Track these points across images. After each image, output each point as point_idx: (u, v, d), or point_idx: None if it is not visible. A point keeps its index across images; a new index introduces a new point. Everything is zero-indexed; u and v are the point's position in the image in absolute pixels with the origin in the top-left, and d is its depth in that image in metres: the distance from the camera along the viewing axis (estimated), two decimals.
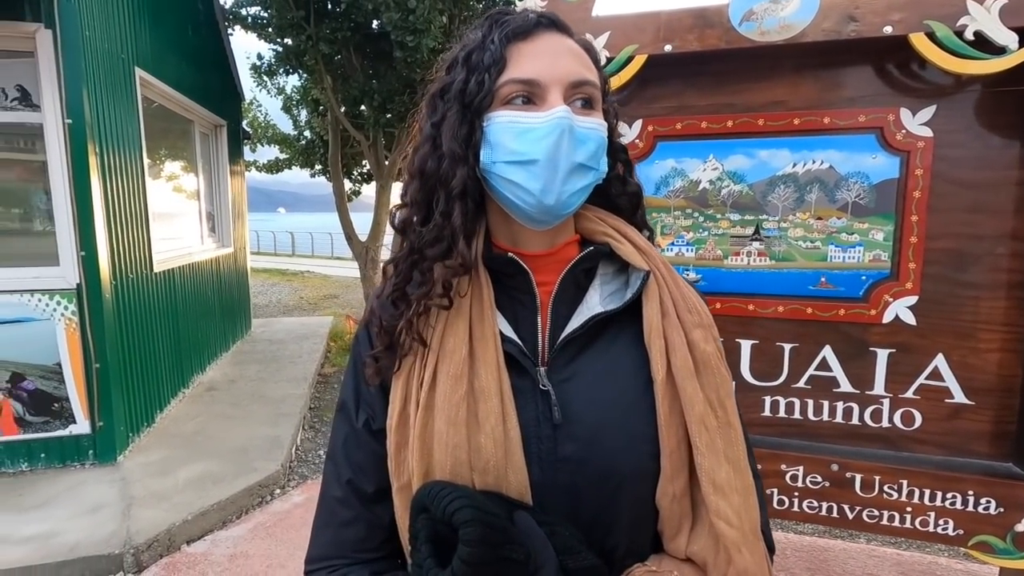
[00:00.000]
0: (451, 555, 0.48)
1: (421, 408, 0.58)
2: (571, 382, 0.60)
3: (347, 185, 10.43)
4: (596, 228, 0.67)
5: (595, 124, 0.59)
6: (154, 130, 4.34)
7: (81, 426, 3.27)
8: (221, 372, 5.37)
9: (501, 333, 0.60)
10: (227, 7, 6.45)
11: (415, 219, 0.63)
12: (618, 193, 0.69)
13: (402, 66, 5.24)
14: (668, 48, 1.45)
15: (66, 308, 3.17)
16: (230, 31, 6.67)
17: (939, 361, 1.39)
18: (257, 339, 6.77)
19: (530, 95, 0.58)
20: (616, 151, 0.68)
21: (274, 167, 11.86)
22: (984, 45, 1.22)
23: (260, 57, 7.75)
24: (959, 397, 1.38)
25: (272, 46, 6.58)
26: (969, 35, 1.23)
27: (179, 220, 5.15)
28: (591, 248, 0.65)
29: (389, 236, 7.90)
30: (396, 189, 8.19)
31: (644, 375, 0.60)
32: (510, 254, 0.63)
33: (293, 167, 11.56)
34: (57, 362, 3.21)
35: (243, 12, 6.39)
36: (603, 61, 0.67)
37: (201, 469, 3.29)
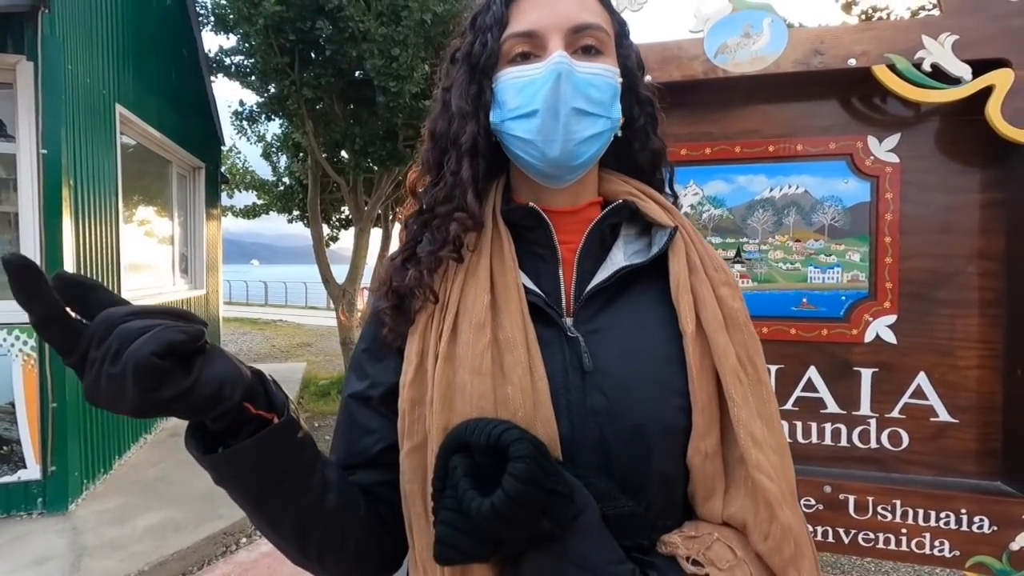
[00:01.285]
0: (492, 491, 0.45)
1: (441, 360, 0.55)
2: (598, 334, 0.58)
3: (325, 230, 10.41)
4: (619, 189, 0.66)
5: (599, 69, 0.58)
6: (131, 167, 4.31)
7: (31, 471, 3.06)
8: None
9: (524, 286, 0.59)
10: (211, 55, 6.58)
11: (427, 179, 0.63)
12: (639, 149, 0.67)
13: (384, 111, 5.34)
14: (647, 78, 1.51)
15: (24, 343, 3.02)
16: (213, 79, 6.77)
17: (921, 379, 1.40)
18: None
19: (531, 48, 0.58)
20: (641, 103, 0.66)
21: (251, 212, 11.79)
22: (942, 76, 1.31)
23: (242, 104, 7.85)
24: (943, 415, 1.39)
25: (254, 93, 6.69)
26: (927, 67, 1.31)
27: (151, 259, 5.04)
28: (618, 202, 0.63)
29: (367, 279, 7.86)
30: (375, 234, 8.22)
31: (672, 329, 0.58)
32: (530, 204, 0.62)
33: (270, 213, 11.52)
34: (10, 401, 3.03)
35: (226, 61, 6.52)
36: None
37: (161, 517, 3.08)
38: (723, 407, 0.55)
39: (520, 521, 0.45)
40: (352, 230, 7.80)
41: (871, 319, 1.43)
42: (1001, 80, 1.26)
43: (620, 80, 0.61)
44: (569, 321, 0.59)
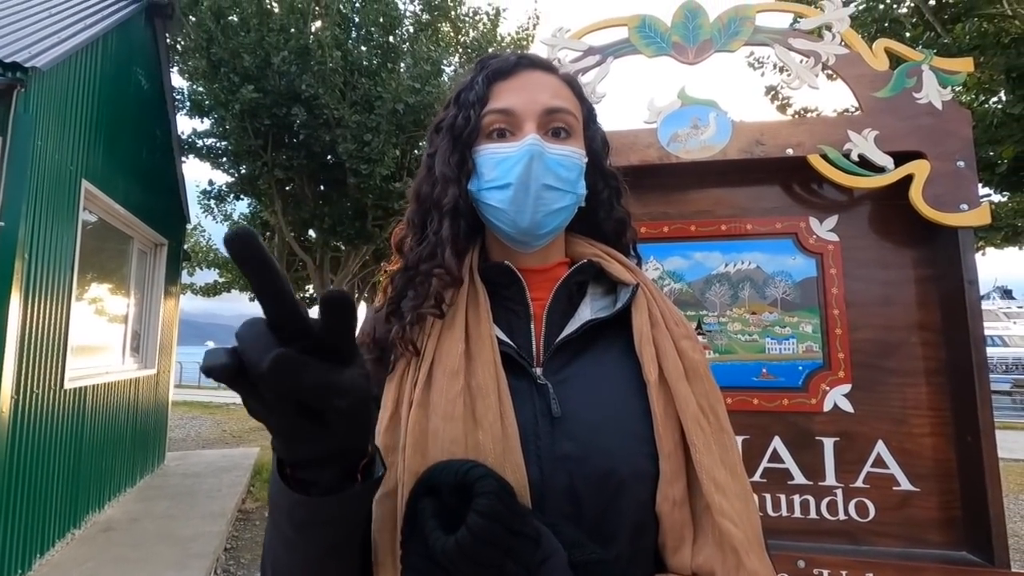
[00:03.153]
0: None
1: (415, 406, 0.57)
2: (567, 383, 0.61)
3: None
4: (586, 251, 0.71)
5: (567, 151, 0.64)
6: (91, 243, 4.22)
7: None
8: (123, 510, 4.69)
9: (497, 337, 0.61)
10: (184, 137, 6.72)
11: (411, 238, 0.67)
12: (604, 218, 0.72)
13: (355, 192, 5.49)
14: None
15: None
16: (184, 159, 6.87)
17: (880, 448, 1.44)
18: (170, 472, 6.05)
19: (507, 126, 0.64)
20: (606, 177, 0.72)
21: (211, 290, 11.56)
22: (868, 165, 1.46)
23: (211, 183, 7.93)
24: (905, 484, 1.41)
25: (225, 173, 6.79)
26: (855, 157, 1.46)
27: (101, 337, 4.82)
28: (584, 262, 0.68)
29: None
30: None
31: (637, 380, 0.61)
32: (505, 262, 0.66)
33: (232, 291, 11.32)
34: None
35: (199, 143, 6.66)
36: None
37: None
38: (688, 455, 0.57)
39: (485, 560, 0.44)
40: (315, 310, 7.70)
41: (828, 388, 1.48)
42: (919, 169, 1.42)
43: (585, 159, 0.68)
44: (539, 371, 0.62)
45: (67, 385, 3.70)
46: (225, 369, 0.35)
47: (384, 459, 0.55)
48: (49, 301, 3.43)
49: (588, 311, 0.66)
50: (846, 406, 1.47)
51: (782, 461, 1.48)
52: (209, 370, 0.35)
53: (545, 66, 0.69)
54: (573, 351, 0.63)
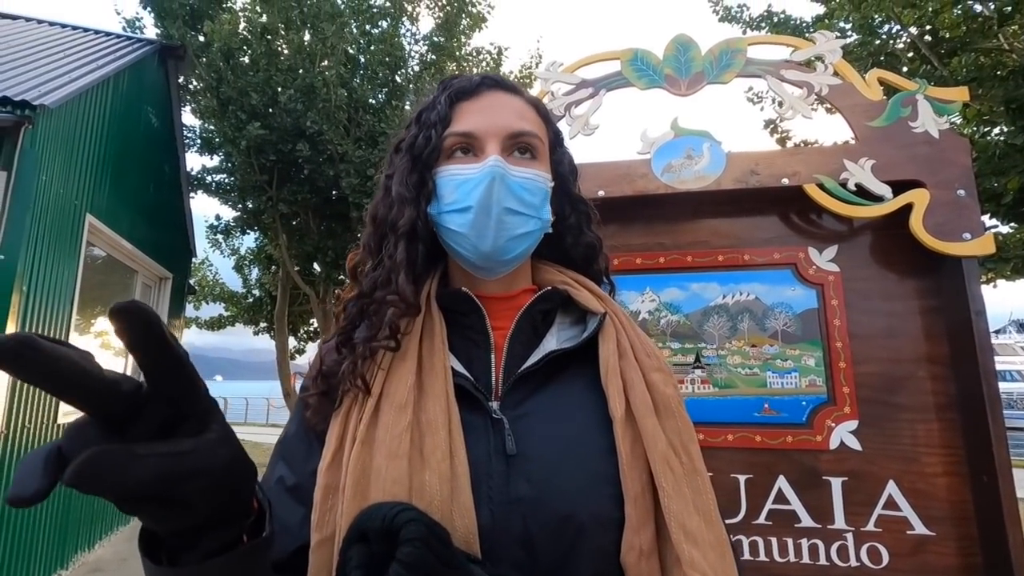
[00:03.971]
0: None
1: (358, 443, 0.52)
2: (526, 419, 0.56)
3: (292, 342, 10.22)
4: (554, 278, 0.67)
5: (531, 173, 0.61)
6: (94, 276, 4.24)
7: None
8: (113, 550, 4.56)
9: (452, 369, 0.57)
10: (193, 173, 6.84)
11: (368, 264, 0.63)
12: (572, 243, 0.69)
13: (357, 226, 5.53)
14: (601, 193, 1.61)
15: None
16: (192, 195, 6.98)
17: (892, 488, 1.36)
18: None
19: (468, 146, 0.62)
20: (574, 202, 0.69)
21: (216, 324, 11.58)
22: (866, 194, 1.43)
23: (218, 218, 8.04)
24: (919, 528, 1.33)
25: (232, 208, 6.89)
26: (852, 186, 1.43)
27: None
28: (548, 288, 0.64)
29: None
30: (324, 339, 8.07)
31: (603, 415, 0.57)
32: (463, 289, 0.62)
33: (236, 324, 11.33)
34: None
35: (207, 179, 6.78)
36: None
37: None
38: (657, 499, 0.52)
39: None
40: (318, 343, 7.69)
41: (833, 424, 1.42)
42: (918, 198, 1.39)
43: (551, 183, 0.65)
44: (495, 405, 0.57)
45: (61, 420, 3.66)
46: (38, 496, 0.29)
47: (324, 500, 0.52)
48: (46, 334, 3.41)
49: (554, 342, 0.62)
50: (853, 443, 1.40)
51: (788, 502, 1.41)
52: (17, 500, 0.29)
53: (509, 87, 0.67)
54: (534, 384, 0.59)
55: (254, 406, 23.13)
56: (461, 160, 0.62)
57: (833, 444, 1.41)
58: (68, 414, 3.79)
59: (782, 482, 1.42)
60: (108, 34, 5.65)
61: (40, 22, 5.64)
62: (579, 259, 0.70)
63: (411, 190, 0.62)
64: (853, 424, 1.41)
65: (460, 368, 0.58)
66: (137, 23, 6.44)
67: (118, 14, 6.55)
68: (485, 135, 0.61)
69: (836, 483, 1.39)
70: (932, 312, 1.43)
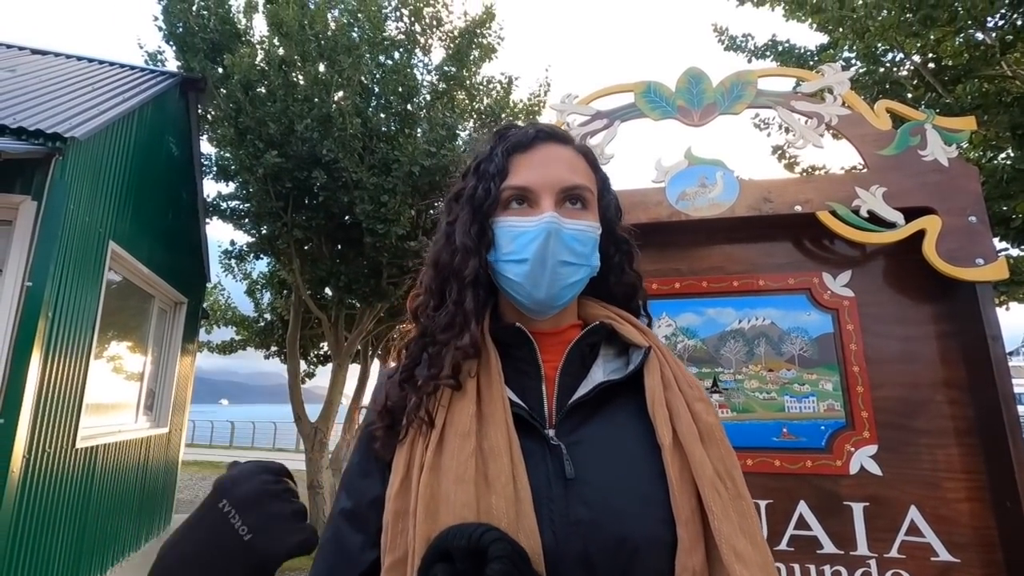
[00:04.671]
0: None
1: (426, 470, 0.56)
2: (580, 445, 0.60)
3: (302, 366, 10.25)
4: (599, 313, 0.71)
5: (584, 225, 0.66)
6: (113, 302, 4.32)
7: None
8: None
9: (509, 398, 0.61)
10: (209, 199, 6.99)
11: (429, 305, 0.68)
12: (615, 281, 0.74)
13: (371, 251, 5.60)
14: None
15: None
16: (208, 220, 7.11)
17: (914, 514, 1.36)
18: None
19: (524, 198, 0.66)
20: (618, 243, 0.74)
21: (227, 348, 11.64)
22: (879, 221, 1.46)
23: (233, 243, 8.16)
24: (943, 555, 1.33)
25: (246, 234, 7.01)
26: (864, 213, 1.47)
27: (116, 395, 4.84)
28: (596, 323, 0.68)
29: (340, 417, 7.57)
30: (353, 370, 8.10)
31: (651, 443, 0.60)
32: (517, 324, 0.66)
33: (247, 348, 11.38)
34: None
35: (223, 205, 6.92)
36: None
37: None
38: (706, 522, 0.55)
39: None
40: (329, 367, 7.71)
41: (853, 449, 1.43)
42: (931, 225, 1.41)
43: (599, 231, 0.69)
44: (551, 432, 0.61)
45: (79, 444, 3.69)
46: None
47: (395, 524, 0.55)
48: (69, 360, 3.47)
49: (600, 373, 0.65)
50: (874, 468, 1.40)
51: (809, 528, 1.41)
52: None
53: (561, 138, 0.71)
54: (586, 413, 0.62)
55: (260, 430, 23.05)
56: (517, 212, 0.66)
57: (853, 469, 1.41)
58: (86, 438, 3.83)
59: (803, 507, 1.42)
60: (132, 67, 5.86)
61: (69, 57, 5.86)
62: (620, 296, 0.74)
63: (473, 240, 0.66)
64: (872, 449, 1.42)
65: (515, 398, 0.62)
66: (159, 57, 6.66)
67: (141, 48, 6.79)
68: (540, 189, 0.65)
69: (858, 508, 1.39)
70: (948, 337, 1.45)
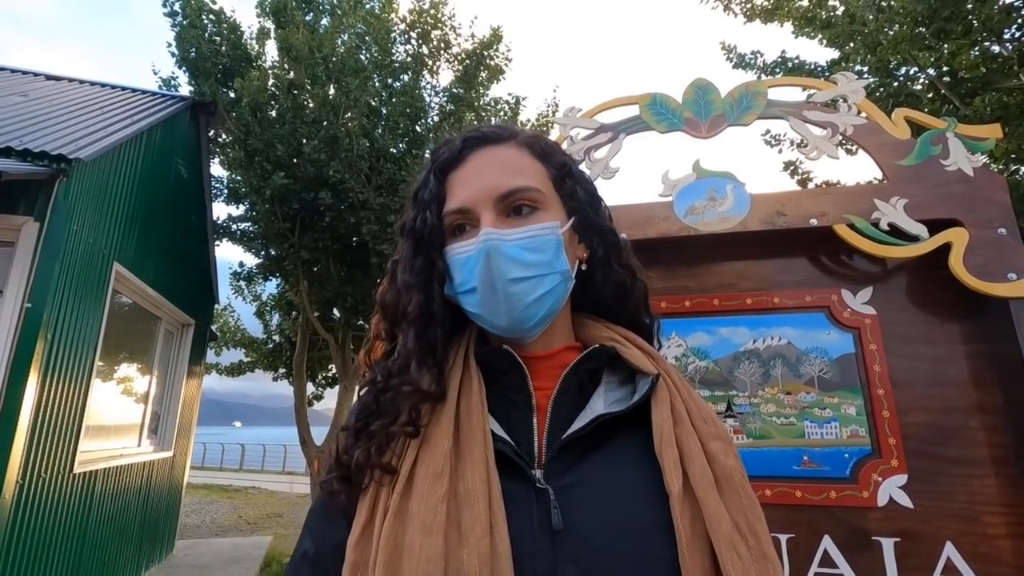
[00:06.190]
0: None
1: (390, 516, 0.48)
2: (573, 489, 0.51)
3: (310, 388, 10.20)
4: (600, 334, 0.62)
5: (533, 230, 0.57)
6: (119, 323, 4.30)
7: None
8: None
9: (492, 433, 0.53)
10: (219, 222, 7.04)
11: (378, 349, 0.62)
12: (602, 280, 0.64)
13: (377, 272, 5.58)
14: (623, 236, 1.58)
15: None
16: (217, 243, 7.15)
17: (950, 551, 1.25)
18: (177, 564, 5.78)
19: (466, 222, 0.59)
20: (601, 232, 0.64)
21: (236, 370, 11.63)
22: (901, 234, 1.37)
23: (242, 265, 8.20)
24: None
25: (255, 255, 7.04)
26: (884, 225, 1.38)
27: (119, 418, 4.79)
28: (596, 347, 0.60)
29: None
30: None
31: (658, 489, 0.51)
32: (505, 347, 0.58)
33: (256, 370, 11.36)
34: None
35: (232, 227, 6.97)
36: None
37: None
38: None
39: None
40: (336, 389, 7.65)
41: (880, 479, 1.32)
42: (957, 238, 1.33)
43: (562, 228, 0.60)
44: (539, 473, 0.52)
45: (77, 469, 3.63)
46: None
47: None
48: (67, 382, 3.43)
49: (601, 403, 0.56)
50: (904, 500, 1.29)
51: (835, 566, 1.29)
52: None
53: (493, 139, 0.63)
54: (581, 451, 0.53)
55: (271, 453, 22.94)
56: (462, 237, 0.59)
57: (881, 501, 1.31)
58: (84, 463, 3.77)
59: (827, 543, 1.31)
60: (144, 92, 5.96)
61: (82, 82, 5.97)
62: (610, 298, 0.65)
63: (416, 275, 0.60)
64: (902, 479, 1.31)
65: (500, 432, 0.54)
66: (173, 82, 6.79)
67: (155, 74, 6.92)
68: (475, 205, 0.58)
69: (888, 544, 1.28)
70: (980, 357, 1.34)
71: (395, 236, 0.67)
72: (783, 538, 1.33)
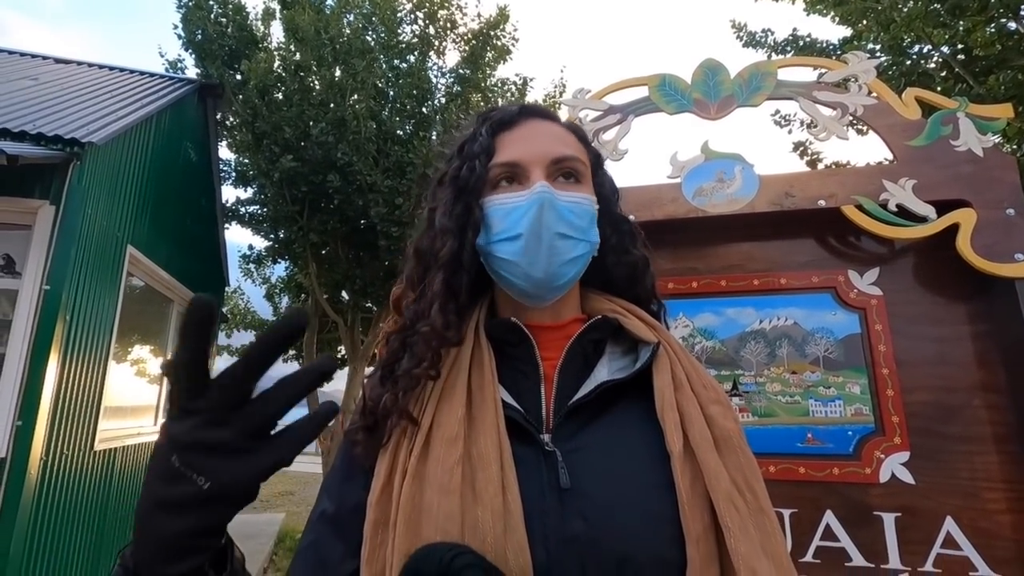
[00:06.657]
0: None
1: (409, 477, 0.51)
2: (579, 453, 0.54)
3: None
4: (603, 306, 0.66)
5: (579, 197, 0.61)
6: (133, 306, 4.37)
7: None
8: None
9: (503, 401, 0.56)
10: (228, 205, 7.08)
11: (410, 296, 0.63)
12: (614, 263, 0.68)
13: (386, 254, 5.61)
14: (631, 218, 1.59)
15: None
16: (227, 226, 7.20)
17: (950, 525, 1.28)
18: None
19: (513, 175, 0.62)
20: (616, 222, 0.69)
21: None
22: (908, 215, 1.38)
23: (251, 248, 8.26)
24: (983, 569, 1.24)
25: (264, 238, 7.09)
26: (892, 207, 1.39)
27: (135, 398, 4.90)
28: (599, 317, 0.63)
29: None
30: (369, 372, 8.14)
31: (660, 451, 0.54)
32: (512, 319, 0.61)
33: None
34: None
35: (241, 210, 7.01)
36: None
37: None
38: (721, 540, 0.49)
39: None
40: (346, 371, 7.75)
41: (883, 456, 1.35)
42: (965, 218, 1.33)
43: (596, 206, 0.64)
44: (547, 437, 0.55)
45: (97, 447, 3.73)
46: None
47: (374, 535, 0.50)
48: (86, 363, 3.51)
49: (605, 372, 0.60)
50: (906, 477, 1.32)
51: (837, 539, 1.33)
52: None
53: (548, 115, 0.67)
54: (586, 416, 0.56)
55: None
56: (507, 189, 0.62)
57: (883, 477, 1.33)
58: (104, 440, 3.87)
59: (829, 517, 1.35)
60: (152, 75, 5.96)
61: (91, 65, 5.98)
62: (622, 279, 0.68)
63: (455, 220, 0.62)
64: (904, 456, 1.34)
65: (510, 400, 0.57)
66: (179, 64, 6.78)
67: (162, 56, 6.91)
68: (529, 163, 0.61)
69: (889, 519, 1.31)
70: (984, 337, 1.36)
71: (430, 188, 0.69)
72: (786, 513, 1.37)
